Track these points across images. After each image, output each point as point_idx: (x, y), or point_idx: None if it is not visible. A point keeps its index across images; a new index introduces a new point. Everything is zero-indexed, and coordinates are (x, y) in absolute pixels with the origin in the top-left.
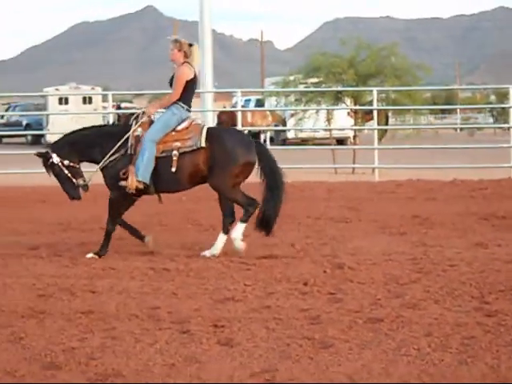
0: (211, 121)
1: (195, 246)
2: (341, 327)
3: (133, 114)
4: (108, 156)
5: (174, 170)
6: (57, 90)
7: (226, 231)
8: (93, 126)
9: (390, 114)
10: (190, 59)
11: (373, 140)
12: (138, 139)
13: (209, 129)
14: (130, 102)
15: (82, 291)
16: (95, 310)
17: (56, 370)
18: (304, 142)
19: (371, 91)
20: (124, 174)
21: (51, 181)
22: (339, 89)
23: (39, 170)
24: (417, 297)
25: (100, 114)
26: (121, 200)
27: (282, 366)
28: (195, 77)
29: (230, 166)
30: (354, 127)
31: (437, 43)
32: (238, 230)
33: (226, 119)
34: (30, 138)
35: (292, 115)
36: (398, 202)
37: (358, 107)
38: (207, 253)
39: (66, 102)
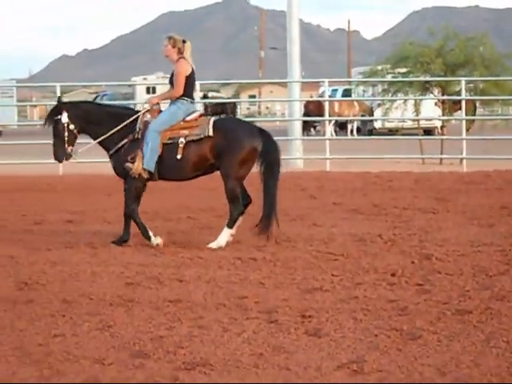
0: (298, 110)
1: (282, 235)
2: (429, 319)
3: (220, 103)
4: (114, 140)
5: (179, 157)
6: (144, 79)
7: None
8: (108, 105)
9: (477, 104)
10: (184, 55)
11: (460, 130)
12: (146, 125)
13: (215, 120)
14: (217, 91)
15: (169, 280)
16: (183, 298)
17: (144, 358)
18: (391, 132)
19: (459, 81)
20: (132, 158)
21: None
22: (428, 79)
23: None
24: (506, 288)
25: None
26: (138, 185)
27: (369, 357)
28: (193, 71)
29: (237, 152)
30: (442, 117)
31: None
32: (224, 235)
33: (313, 109)
34: None
35: (379, 105)
36: (487, 193)
37: (445, 97)
38: (213, 245)
39: (154, 91)
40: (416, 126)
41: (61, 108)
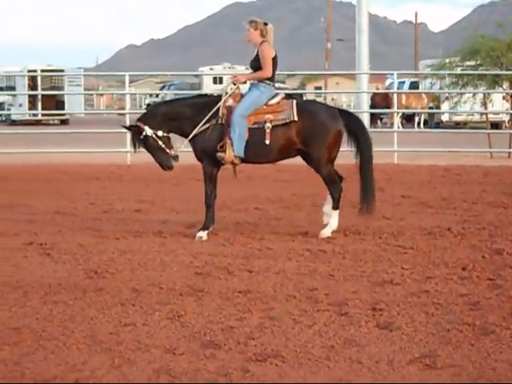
0: (366, 102)
1: (351, 228)
2: (501, 314)
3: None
4: (199, 126)
5: (267, 142)
6: (211, 69)
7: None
8: (180, 98)
9: None
10: (266, 38)
11: None
12: (229, 110)
13: (297, 103)
14: (283, 82)
15: (239, 270)
16: (253, 289)
17: (215, 348)
18: (458, 125)
19: None
20: (221, 146)
21: None
22: (499, 72)
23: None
24: None
25: None
26: (214, 169)
27: (442, 352)
28: (276, 54)
29: (324, 137)
30: (511, 111)
31: None
32: (334, 218)
33: (380, 101)
34: None
35: (447, 98)
36: None
37: None
38: (326, 232)
39: (221, 82)
40: (483, 119)
41: (138, 126)
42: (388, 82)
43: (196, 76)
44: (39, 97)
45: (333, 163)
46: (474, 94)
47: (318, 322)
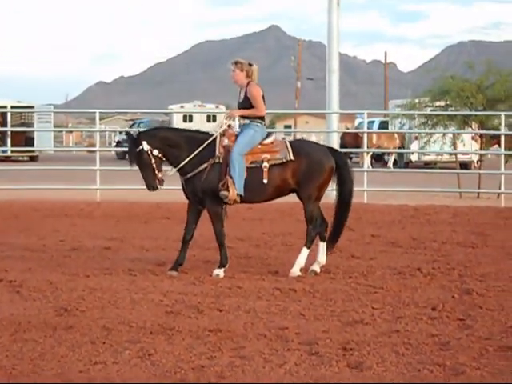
0: (336, 141)
1: (321, 267)
2: (472, 354)
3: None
4: (192, 164)
5: (265, 181)
6: (182, 107)
7: (324, 238)
8: (181, 129)
9: None
10: (251, 78)
11: (496, 165)
12: (226, 149)
13: (291, 142)
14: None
15: (209, 309)
16: (223, 328)
17: None
18: (427, 165)
19: (499, 116)
20: (223, 185)
21: (176, 197)
22: (469, 113)
23: (163, 187)
24: None
25: None
26: (219, 208)
27: None
28: (263, 94)
29: (318, 175)
30: (480, 151)
31: None
32: (303, 255)
33: (350, 140)
34: None
35: (416, 138)
36: None
37: (485, 131)
38: (315, 267)
39: (191, 120)
40: (452, 159)
41: (139, 138)
42: (357, 121)
43: (166, 114)
44: (9, 133)
45: (319, 201)
46: (444, 134)
47: (289, 362)
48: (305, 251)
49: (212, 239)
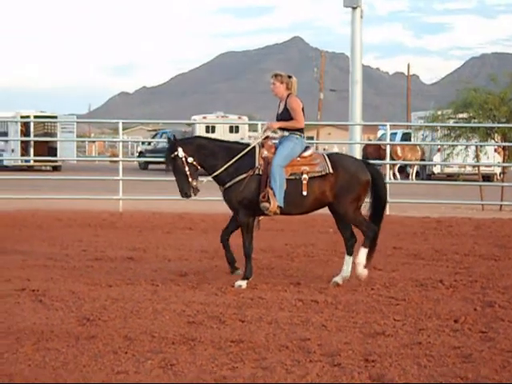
0: (358, 153)
1: (344, 279)
2: (494, 367)
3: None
4: (231, 174)
5: (304, 193)
6: (204, 118)
7: (351, 253)
8: (220, 139)
9: None
10: (291, 90)
11: None
12: (266, 160)
13: (329, 155)
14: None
15: (231, 320)
16: (245, 339)
17: None
18: (449, 177)
19: None
20: (263, 196)
21: (198, 208)
22: (492, 125)
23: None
24: None
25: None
26: (251, 219)
27: None
28: (303, 106)
29: (356, 188)
30: (503, 164)
31: None
32: (361, 255)
33: (372, 152)
34: None
35: (439, 150)
36: None
37: (507, 143)
38: (338, 279)
39: (213, 131)
40: (475, 171)
41: (175, 145)
42: (380, 133)
43: (189, 124)
44: (31, 143)
45: (360, 209)
46: (467, 147)
47: (311, 373)
48: (362, 251)
49: (234, 251)
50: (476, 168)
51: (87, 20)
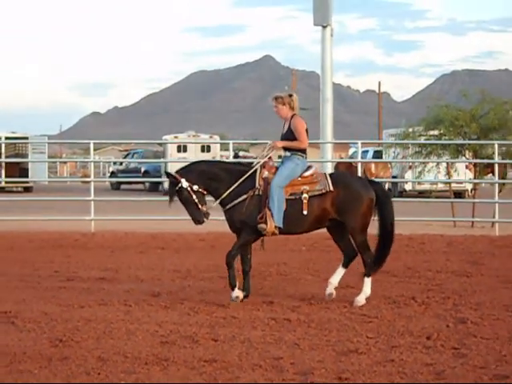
0: (330, 171)
1: (316, 296)
2: (466, 383)
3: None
4: (232, 195)
5: (305, 212)
6: (175, 137)
7: (346, 266)
8: (220, 161)
9: (508, 167)
10: (295, 110)
11: (490, 193)
12: (266, 181)
13: (331, 174)
14: (247, 150)
15: (204, 339)
16: (218, 358)
17: None
18: (421, 194)
19: (492, 145)
20: (261, 217)
21: (170, 227)
22: (463, 142)
23: (157, 217)
24: None
25: None
26: (251, 239)
27: None
28: (307, 127)
29: (358, 206)
30: (474, 180)
31: None
32: (367, 284)
33: (343, 169)
34: (147, 184)
35: (410, 167)
36: None
37: (479, 160)
38: (361, 299)
39: (185, 150)
40: (446, 188)
41: (175, 178)
42: (351, 150)
43: (160, 144)
44: (3, 164)
45: (366, 231)
46: (438, 163)
47: None
48: (367, 281)
49: (206, 270)
50: (447, 185)
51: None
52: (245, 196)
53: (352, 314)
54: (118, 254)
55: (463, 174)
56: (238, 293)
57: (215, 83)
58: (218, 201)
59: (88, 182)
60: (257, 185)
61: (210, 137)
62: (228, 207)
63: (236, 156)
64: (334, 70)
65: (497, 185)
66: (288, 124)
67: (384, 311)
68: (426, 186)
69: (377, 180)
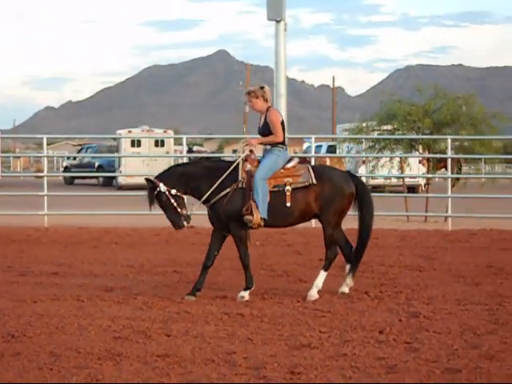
0: None
1: (269, 291)
2: (418, 377)
3: (205, 157)
4: (214, 190)
5: (288, 204)
6: (129, 132)
7: (350, 260)
8: (198, 161)
9: (462, 163)
10: (268, 102)
11: (444, 188)
12: (249, 174)
13: (313, 167)
14: (201, 145)
15: (157, 334)
16: (171, 353)
17: None
18: (374, 189)
19: (445, 139)
20: (247, 209)
21: (124, 223)
22: (416, 136)
23: (111, 212)
24: (494, 348)
25: (172, 157)
26: (243, 231)
27: None
28: (283, 119)
29: (340, 200)
30: (427, 175)
31: (509, 92)
32: (320, 278)
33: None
34: (101, 179)
35: (364, 162)
36: (472, 252)
37: (432, 155)
38: (344, 288)
39: (139, 145)
40: (400, 183)
41: (154, 183)
42: (305, 145)
43: (114, 139)
44: None
45: (339, 225)
46: (391, 158)
47: None
48: (322, 274)
49: (160, 265)
50: (401, 180)
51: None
52: (228, 189)
53: (305, 309)
54: (71, 249)
55: (416, 168)
56: (246, 294)
57: (170, 78)
58: (202, 200)
59: (41, 177)
60: (240, 178)
61: (164, 131)
62: (212, 202)
63: (190, 151)
64: (288, 64)
65: (450, 179)
66: (264, 117)
67: (337, 306)
68: (380, 181)
69: None
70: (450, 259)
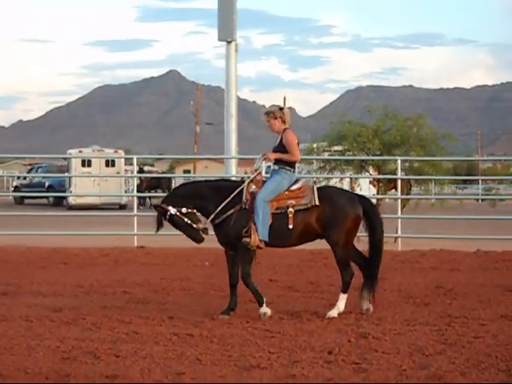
0: None
1: (218, 311)
2: None
3: (155, 178)
4: (220, 210)
5: (290, 226)
6: (80, 151)
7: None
8: (203, 181)
9: (412, 183)
10: (286, 123)
11: (394, 209)
12: (252, 195)
13: (318, 188)
14: (152, 165)
15: (106, 355)
16: (120, 374)
17: None
18: None
19: (395, 160)
20: (246, 231)
21: (73, 243)
22: (366, 157)
23: (61, 232)
24: (442, 368)
25: (123, 177)
26: (250, 252)
27: None
28: (298, 140)
29: (343, 221)
30: (377, 196)
31: (459, 113)
32: (341, 301)
33: None
34: (52, 199)
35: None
36: (422, 272)
37: (381, 176)
38: (333, 313)
39: (89, 165)
40: None
41: (162, 208)
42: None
43: (64, 159)
44: None
45: (349, 247)
46: (341, 179)
47: None
48: (342, 296)
49: (109, 285)
50: None
51: None
52: (232, 210)
53: (255, 330)
54: (20, 269)
55: (367, 189)
56: (266, 309)
57: (120, 97)
58: (210, 218)
59: None
60: (244, 199)
61: (115, 151)
62: (216, 222)
63: (141, 171)
64: (239, 85)
65: (399, 200)
66: (280, 138)
67: (286, 326)
68: None
69: None
70: (400, 280)
